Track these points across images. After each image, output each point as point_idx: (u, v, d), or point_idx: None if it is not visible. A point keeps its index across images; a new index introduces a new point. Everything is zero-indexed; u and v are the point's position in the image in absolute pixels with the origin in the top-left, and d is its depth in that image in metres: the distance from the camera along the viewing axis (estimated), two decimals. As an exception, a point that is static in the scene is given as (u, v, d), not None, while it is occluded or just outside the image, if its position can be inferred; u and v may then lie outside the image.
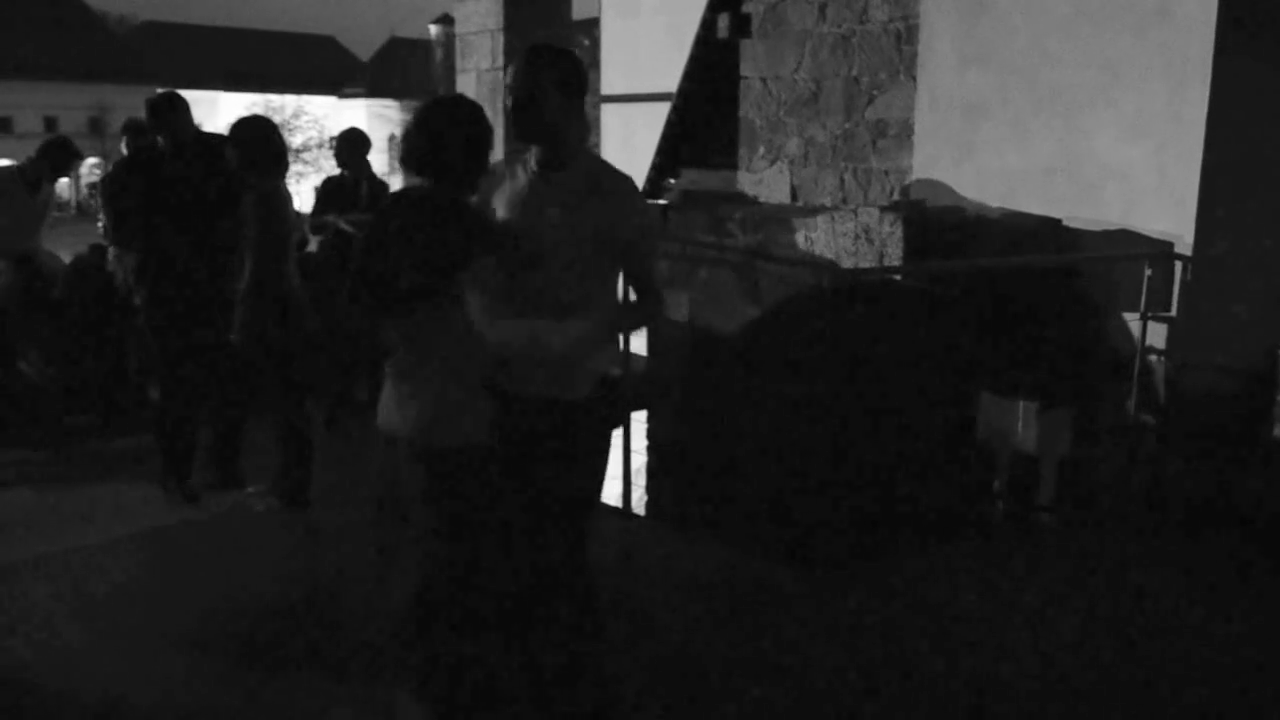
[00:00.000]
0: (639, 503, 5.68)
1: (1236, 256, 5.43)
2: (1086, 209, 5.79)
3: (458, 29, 10.04)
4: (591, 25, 14.08)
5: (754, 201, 7.53)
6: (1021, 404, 5.56)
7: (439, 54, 50.29)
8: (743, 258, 5.98)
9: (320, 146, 52.38)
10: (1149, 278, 5.31)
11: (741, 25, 7.92)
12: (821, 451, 5.01)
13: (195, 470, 5.21)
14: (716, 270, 6.14)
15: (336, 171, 6.78)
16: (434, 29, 53.50)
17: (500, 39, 9.31)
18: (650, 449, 6.20)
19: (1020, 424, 5.59)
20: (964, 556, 4.72)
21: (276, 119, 42.48)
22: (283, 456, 4.92)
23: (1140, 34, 5.59)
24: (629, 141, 13.37)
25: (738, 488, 5.33)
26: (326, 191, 6.68)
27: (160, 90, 5.29)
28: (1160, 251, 5.43)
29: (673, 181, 8.72)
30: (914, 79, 6.77)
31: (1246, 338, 5.48)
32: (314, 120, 54.87)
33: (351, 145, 6.65)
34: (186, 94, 5.34)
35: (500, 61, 9.30)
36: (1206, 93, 5.33)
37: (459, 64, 9.92)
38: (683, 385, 5.68)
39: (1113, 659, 3.72)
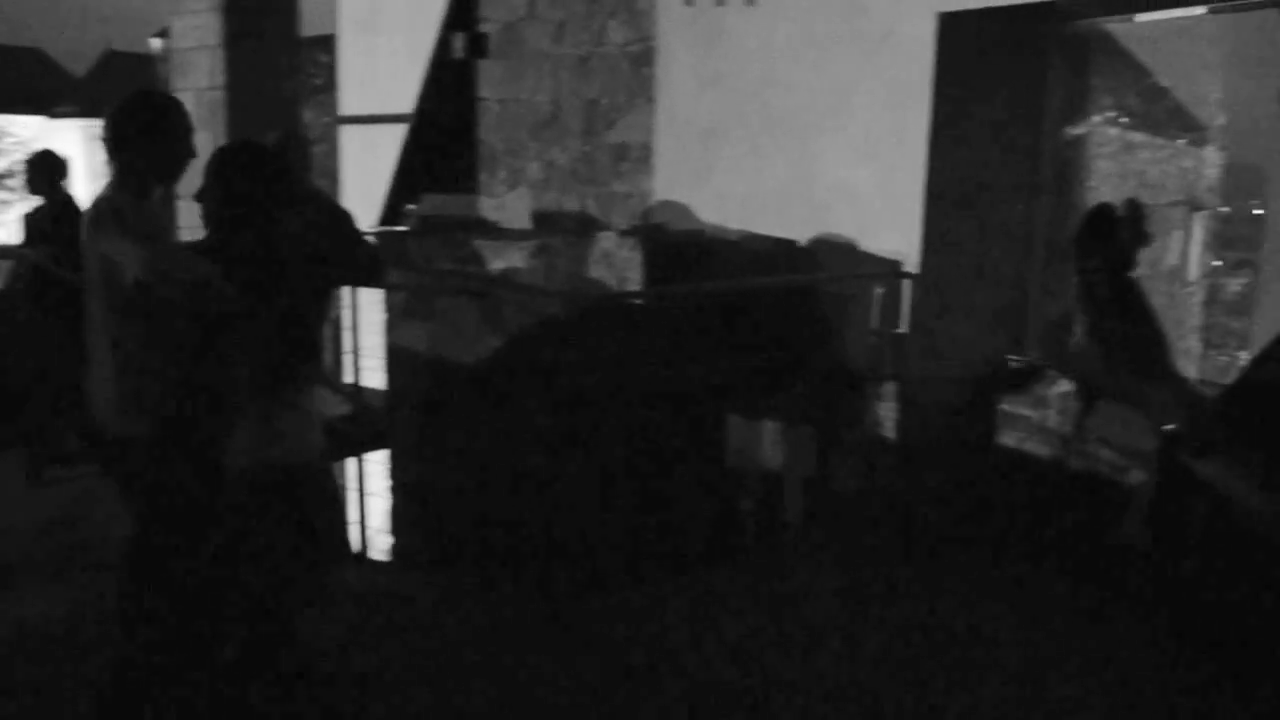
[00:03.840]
0: (380, 546, 5.39)
1: (959, 273, 5.65)
2: (820, 229, 5.91)
3: (174, 44, 9.35)
4: (327, 42, 13.50)
5: (495, 227, 7.34)
6: (767, 424, 5.60)
7: (162, 70, 47.59)
8: (483, 285, 5.78)
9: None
10: (880, 296, 5.44)
11: (478, 45, 7.72)
12: (567, 481, 4.86)
13: None
14: (457, 299, 5.91)
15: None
16: (155, 43, 50.42)
17: (221, 56, 8.74)
18: (393, 489, 5.89)
19: (766, 444, 5.63)
20: (712, 579, 4.69)
21: (-27, 142, 38.40)
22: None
23: (865, 60, 5.75)
24: (370, 165, 12.90)
25: (485, 523, 5.12)
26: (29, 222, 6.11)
27: None
28: (890, 270, 5.59)
29: (412, 207, 8.40)
30: (653, 102, 6.76)
31: (972, 350, 5.71)
32: (20, 143, 50.45)
33: (43, 169, 6.01)
34: None
35: (221, 80, 8.73)
36: (927, 117, 5.53)
37: (175, 82, 9.22)
38: (423, 420, 5.42)
39: (855, 669, 3.73)
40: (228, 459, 2.87)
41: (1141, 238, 1.63)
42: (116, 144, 2.99)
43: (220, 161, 2.92)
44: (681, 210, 6.54)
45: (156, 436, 2.83)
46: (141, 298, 2.80)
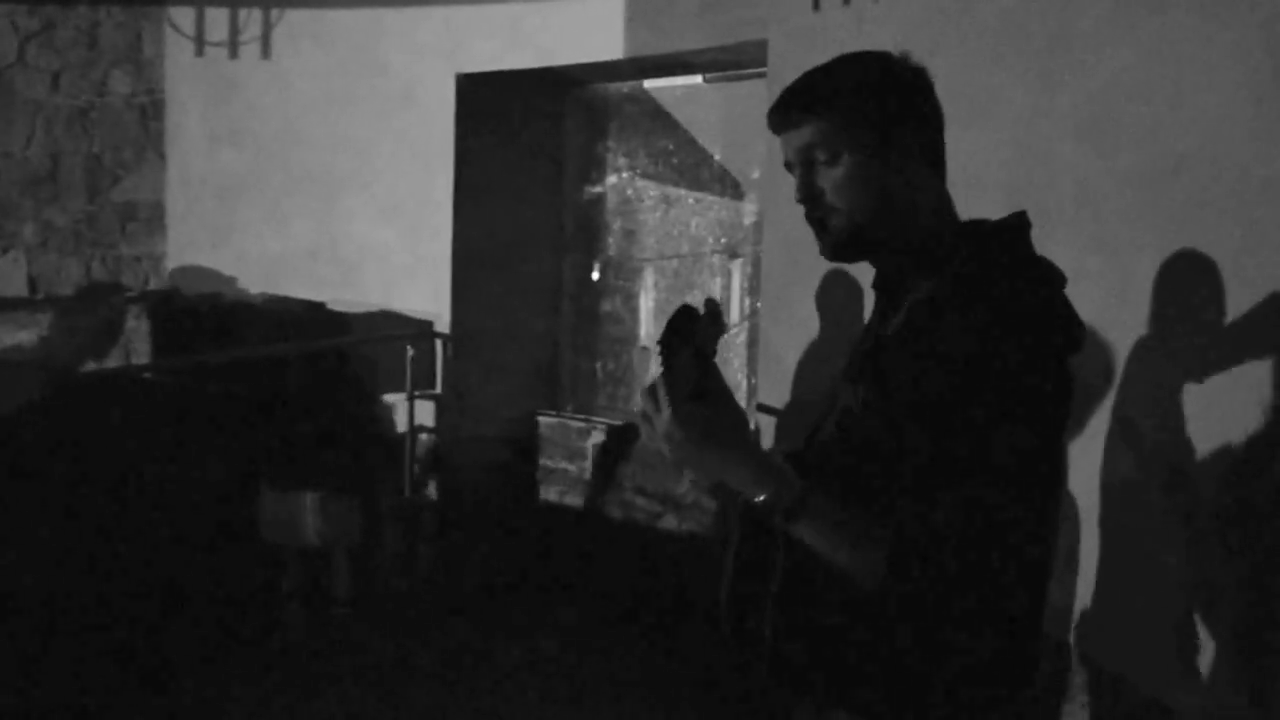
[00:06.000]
0: None
1: (491, 331, 5.70)
2: (349, 291, 5.75)
3: None
4: None
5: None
6: (306, 495, 5.33)
7: None
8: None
9: None
10: (412, 357, 5.37)
11: (-45, 93, 6.83)
12: (69, 580, 4.34)
13: None
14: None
15: None
16: None
17: None
18: None
19: (306, 516, 5.35)
20: (255, 668, 4.41)
21: None
22: None
23: (388, 119, 5.69)
24: None
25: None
26: None
27: None
28: (421, 331, 5.53)
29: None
30: (163, 158, 6.30)
31: (509, 408, 5.76)
32: None
33: None
34: None
35: None
36: (451, 176, 5.54)
37: None
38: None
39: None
40: None
41: (720, 329, 1.80)
42: None
43: None
44: (203, 273, 6.13)
45: None
46: None
